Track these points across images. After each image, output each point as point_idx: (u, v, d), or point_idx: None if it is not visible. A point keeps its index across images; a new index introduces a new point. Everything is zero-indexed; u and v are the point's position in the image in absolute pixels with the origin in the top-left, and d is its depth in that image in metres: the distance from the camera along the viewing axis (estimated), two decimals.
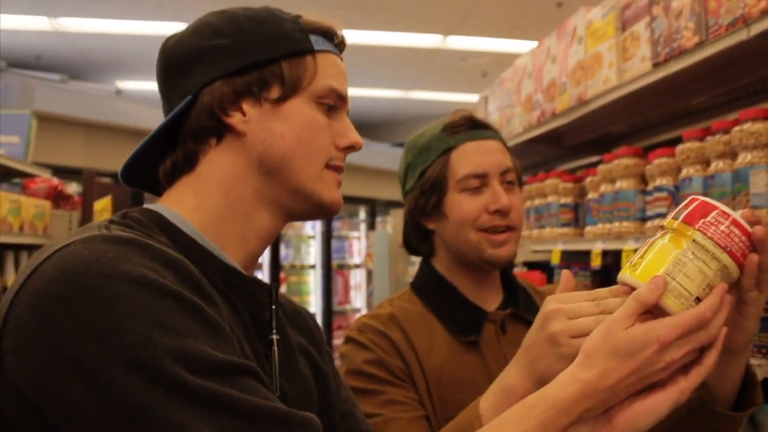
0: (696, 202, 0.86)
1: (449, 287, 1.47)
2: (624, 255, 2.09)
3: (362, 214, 9.97)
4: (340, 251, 9.38)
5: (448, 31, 7.06)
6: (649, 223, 2.12)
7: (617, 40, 2.30)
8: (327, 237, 9.01)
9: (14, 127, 3.51)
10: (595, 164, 2.71)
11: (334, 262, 9.14)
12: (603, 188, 2.38)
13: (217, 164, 0.95)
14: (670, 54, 1.98)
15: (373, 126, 10.97)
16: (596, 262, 2.28)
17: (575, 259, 2.66)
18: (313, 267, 8.93)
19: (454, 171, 1.43)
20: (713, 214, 0.84)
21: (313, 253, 8.96)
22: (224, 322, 0.81)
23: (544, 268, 2.92)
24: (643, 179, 2.22)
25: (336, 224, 9.33)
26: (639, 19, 2.18)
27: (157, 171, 0.98)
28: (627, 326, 0.82)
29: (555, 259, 2.65)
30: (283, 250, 8.30)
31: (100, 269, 0.74)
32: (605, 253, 2.36)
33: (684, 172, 1.95)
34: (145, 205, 0.96)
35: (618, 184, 2.26)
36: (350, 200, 9.42)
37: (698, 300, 0.82)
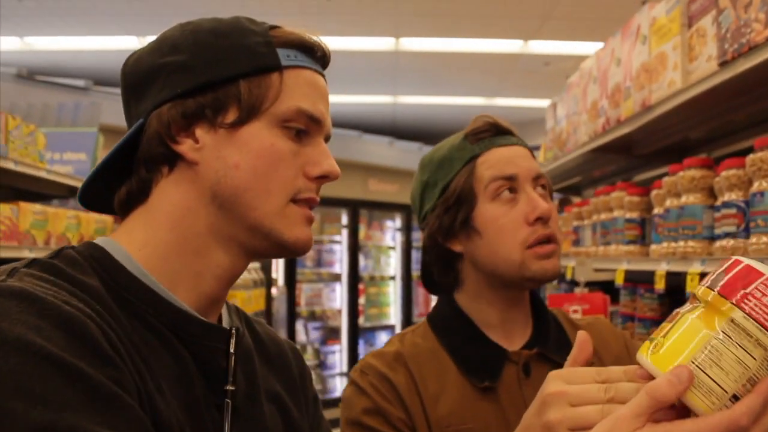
0: (738, 267, 0.65)
1: (468, 322, 1.31)
2: (689, 278, 1.85)
3: None
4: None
5: (528, 36, 6.81)
6: (717, 243, 1.86)
7: (683, 38, 2.05)
8: (407, 248, 8.91)
9: (82, 144, 3.61)
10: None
11: (415, 273, 9.01)
12: (668, 203, 2.13)
13: (168, 195, 0.85)
14: (738, 51, 1.74)
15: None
16: (660, 285, 2.04)
17: (641, 279, 2.42)
18: (393, 278, 8.84)
19: (481, 178, 1.28)
20: (757, 282, 0.63)
21: (393, 264, 8.88)
22: (126, 386, 0.70)
23: (608, 288, 2.68)
24: (713, 193, 1.97)
25: (416, 235, 9.20)
26: (706, 13, 1.94)
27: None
28: (635, 428, 0.65)
29: (619, 280, 2.42)
30: (362, 261, 8.26)
31: None
32: (673, 273, 2.11)
33: (755, 186, 1.70)
34: (96, 239, 0.88)
35: (684, 199, 2.02)
36: None
37: (736, 398, 0.63)
